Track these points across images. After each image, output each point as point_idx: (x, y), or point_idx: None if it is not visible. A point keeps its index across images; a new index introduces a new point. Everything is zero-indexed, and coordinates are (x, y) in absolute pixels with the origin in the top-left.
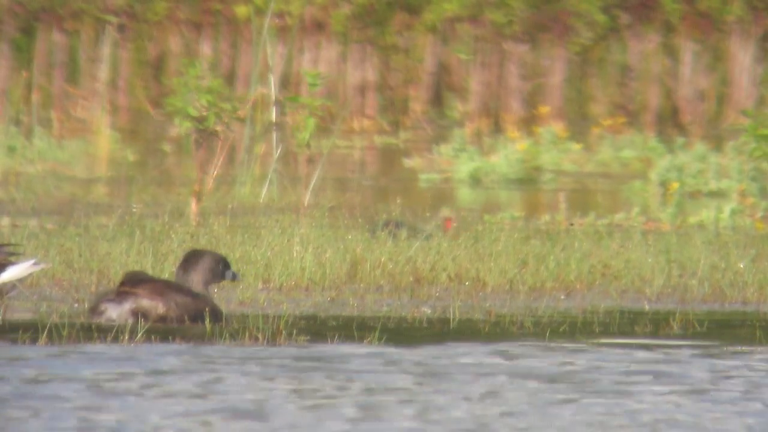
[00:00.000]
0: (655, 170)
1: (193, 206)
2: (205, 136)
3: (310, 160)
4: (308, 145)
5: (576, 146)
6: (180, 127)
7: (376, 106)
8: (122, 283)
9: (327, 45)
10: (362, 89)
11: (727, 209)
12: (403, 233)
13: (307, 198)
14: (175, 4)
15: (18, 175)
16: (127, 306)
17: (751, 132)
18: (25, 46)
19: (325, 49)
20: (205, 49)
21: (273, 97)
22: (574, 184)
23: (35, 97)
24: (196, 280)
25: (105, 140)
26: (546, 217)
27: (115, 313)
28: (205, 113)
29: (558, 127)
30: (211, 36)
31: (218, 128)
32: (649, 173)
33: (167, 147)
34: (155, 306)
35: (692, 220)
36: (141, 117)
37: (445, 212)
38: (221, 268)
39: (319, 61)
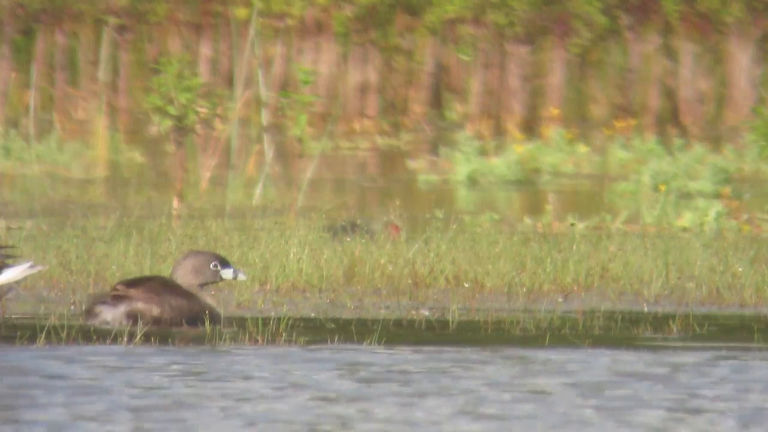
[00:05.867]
0: (648, 172)
1: (176, 205)
2: (183, 134)
3: (302, 156)
4: (301, 141)
5: (583, 148)
6: (160, 126)
7: (377, 108)
8: (116, 286)
9: (328, 46)
10: (363, 90)
11: (712, 212)
12: (358, 235)
13: (299, 199)
14: (175, 6)
15: (15, 177)
16: (122, 308)
17: (761, 131)
18: (26, 48)
19: (326, 51)
20: (205, 50)
21: (264, 98)
22: (572, 186)
23: (35, 99)
24: (180, 280)
25: (103, 142)
26: (527, 220)
27: (110, 315)
28: (184, 111)
29: (560, 129)
30: (211, 37)
31: (197, 126)
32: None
33: (170, 148)
34: (150, 308)
35: (677, 222)
36: (140, 118)
37: (438, 214)
38: (212, 268)
39: (319, 62)
